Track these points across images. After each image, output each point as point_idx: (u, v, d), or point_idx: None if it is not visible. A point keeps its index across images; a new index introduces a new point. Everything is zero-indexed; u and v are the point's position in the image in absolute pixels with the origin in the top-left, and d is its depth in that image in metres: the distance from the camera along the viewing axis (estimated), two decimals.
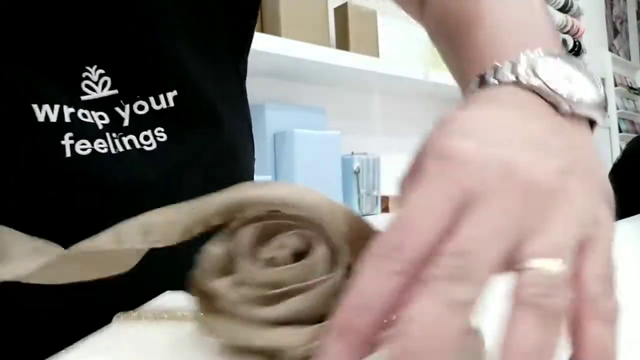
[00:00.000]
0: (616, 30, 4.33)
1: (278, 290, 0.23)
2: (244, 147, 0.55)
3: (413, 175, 0.22)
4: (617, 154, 3.57)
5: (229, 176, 0.52)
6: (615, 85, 3.87)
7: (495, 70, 0.27)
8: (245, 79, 0.58)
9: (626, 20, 4.56)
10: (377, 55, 1.67)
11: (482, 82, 0.28)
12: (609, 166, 3.57)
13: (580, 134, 0.25)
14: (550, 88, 0.25)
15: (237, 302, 0.24)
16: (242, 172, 0.55)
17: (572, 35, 3.26)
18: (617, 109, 3.84)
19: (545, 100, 0.25)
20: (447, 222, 0.19)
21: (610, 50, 4.05)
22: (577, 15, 3.34)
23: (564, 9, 3.20)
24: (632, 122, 4.20)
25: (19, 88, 0.40)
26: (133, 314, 0.32)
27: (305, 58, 1.38)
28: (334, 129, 1.59)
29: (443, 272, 0.18)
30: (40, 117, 0.40)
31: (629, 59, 4.50)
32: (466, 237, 0.19)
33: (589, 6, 3.60)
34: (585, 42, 3.36)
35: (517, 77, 0.26)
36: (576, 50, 3.28)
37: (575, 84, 0.26)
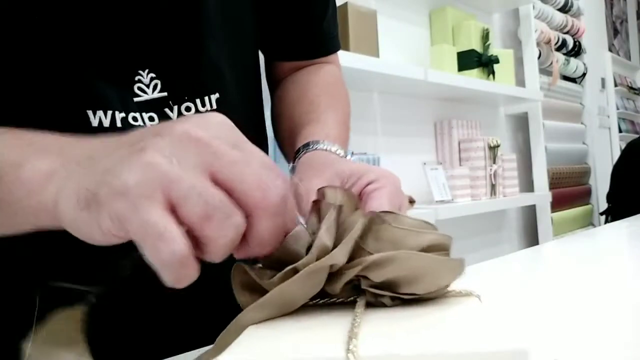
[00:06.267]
0: (616, 30, 4.33)
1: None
2: (263, 148, 0.60)
3: None
4: (617, 153, 3.57)
5: None
6: (615, 85, 3.87)
7: (313, 143, 0.50)
8: (261, 81, 0.62)
9: (626, 20, 4.56)
10: (377, 55, 1.67)
11: (306, 147, 0.50)
12: (609, 165, 3.55)
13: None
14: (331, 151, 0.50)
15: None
16: None
17: (572, 35, 3.26)
18: (617, 109, 3.84)
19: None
20: None
21: (610, 50, 4.05)
22: (577, 15, 3.34)
23: (564, 9, 3.20)
24: (632, 122, 4.20)
25: (76, 94, 0.44)
26: None
27: None
28: None
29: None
30: (94, 122, 0.44)
31: (629, 59, 4.50)
32: None
33: (589, 6, 3.59)
34: (585, 42, 3.36)
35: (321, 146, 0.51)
36: (576, 50, 3.28)
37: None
